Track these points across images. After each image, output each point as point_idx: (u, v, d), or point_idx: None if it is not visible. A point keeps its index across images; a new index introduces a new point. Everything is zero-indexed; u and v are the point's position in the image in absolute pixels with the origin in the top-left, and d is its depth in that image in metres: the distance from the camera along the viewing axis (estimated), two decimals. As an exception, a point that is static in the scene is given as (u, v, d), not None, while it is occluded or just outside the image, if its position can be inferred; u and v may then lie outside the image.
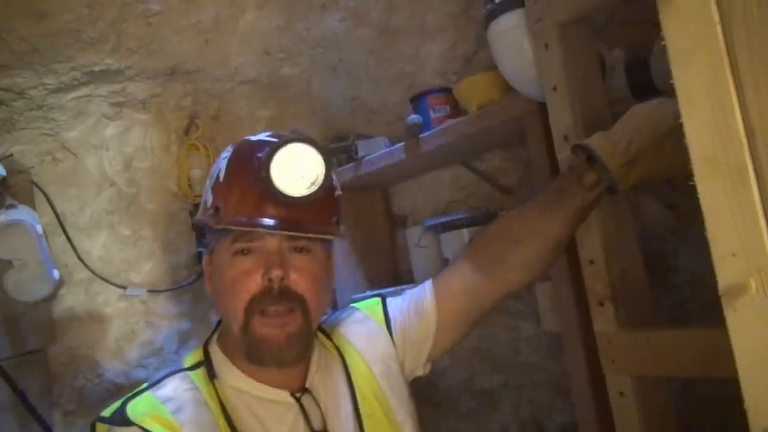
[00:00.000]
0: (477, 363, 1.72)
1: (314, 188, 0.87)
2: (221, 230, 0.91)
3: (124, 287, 1.68)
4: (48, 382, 1.61)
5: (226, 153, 0.95)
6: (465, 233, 1.51)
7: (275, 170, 0.86)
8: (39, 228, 1.52)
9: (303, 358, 0.94)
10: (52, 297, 1.60)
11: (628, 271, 1.03)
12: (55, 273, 1.55)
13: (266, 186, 0.85)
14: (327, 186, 0.89)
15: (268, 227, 0.88)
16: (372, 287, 1.79)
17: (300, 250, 0.91)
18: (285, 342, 0.88)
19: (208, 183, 0.96)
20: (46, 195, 1.64)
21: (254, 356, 0.89)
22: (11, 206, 1.50)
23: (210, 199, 0.93)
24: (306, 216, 0.90)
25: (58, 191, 1.67)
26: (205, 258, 0.99)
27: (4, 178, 1.50)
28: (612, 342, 1.00)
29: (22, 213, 1.50)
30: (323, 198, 0.90)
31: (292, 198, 0.86)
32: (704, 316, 1.21)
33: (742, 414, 0.48)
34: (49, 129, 1.65)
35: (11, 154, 1.60)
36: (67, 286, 1.65)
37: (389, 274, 1.88)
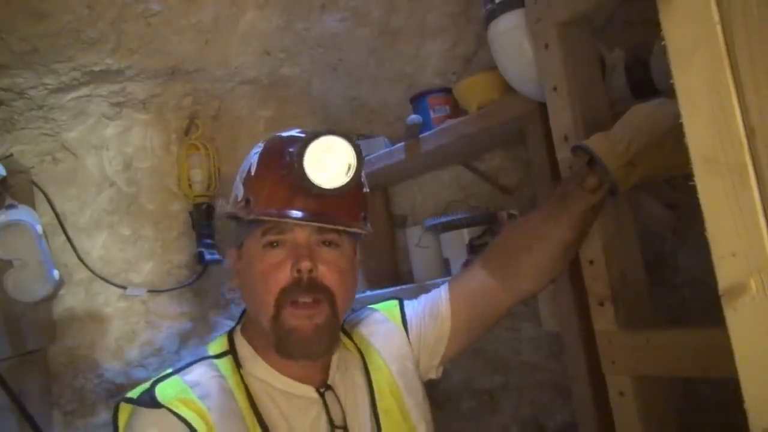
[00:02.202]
0: (478, 363, 1.72)
1: (346, 180, 0.88)
2: (251, 223, 0.92)
3: (124, 287, 1.68)
4: (48, 382, 1.61)
5: (258, 148, 0.97)
6: (465, 233, 1.51)
7: (308, 162, 0.86)
8: (39, 228, 1.52)
9: (330, 350, 0.95)
10: (52, 297, 1.60)
11: (628, 272, 1.03)
12: (55, 273, 1.55)
13: (299, 178, 0.86)
14: (357, 179, 0.90)
15: (299, 218, 0.89)
16: (372, 287, 1.79)
17: (328, 244, 0.92)
18: (313, 333, 0.89)
19: (238, 177, 0.98)
20: (46, 195, 1.64)
21: (284, 348, 0.90)
22: (11, 206, 1.50)
23: (241, 192, 0.95)
24: (335, 209, 0.91)
25: (58, 191, 1.67)
26: (232, 253, 1.00)
27: (4, 178, 1.50)
28: (612, 342, 1.00)
29: (22, 213, 1.50)
30: (352, 192, 0.91)
31: (324, 190, 0.87)
32: (704, 316, 1.21)
33: (742, 414, 0.48)
34: (49, 129, 1.65)
35: (11, 154, 1.60)
36: (67, 286, 1.65)
37: (389, 274, 1.88)
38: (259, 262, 0.91)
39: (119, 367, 1.67)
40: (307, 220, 0.89)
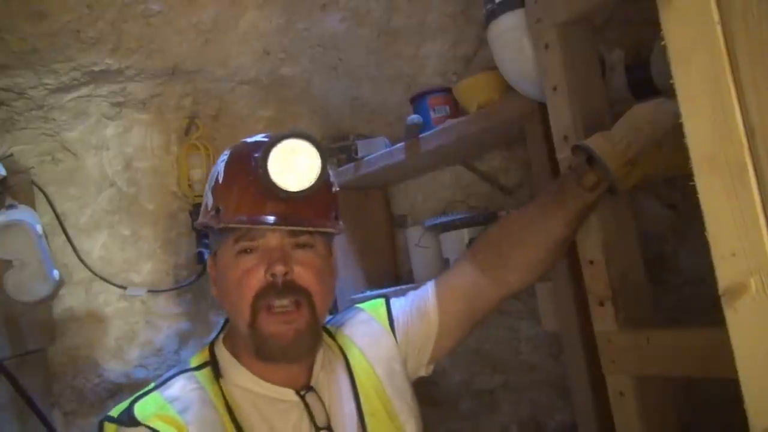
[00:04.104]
0: (477, 363, 1.71)
1: (312, 182, 0.89)
2: (223, 231, 0.92)
3: (124, 287, 1.68)
4: (48, 382, 1.61)
5: (224, 156, 0.97)
6: (465, 233, 1.51)
7: (272, 166, 0.87)
8: (39, 228, 1.52)
9: (312, 352, 0.95)
10: (52, 297, 1.59)
11: (628, 272, 1.03)
12: (55, 273, 1.55)
13: (265, 183, 0.86)
14: (324, 180, 0.90)
15: (269, 224, 0.89)
16: (372, 287, 1.79)
17: (302, 246, 0.92)
18: (293, 338, 0.89)
19: (208, 186, 0.97)
20: (46, 195, 1.64)
21: (263, 353, 0.90)
22: (11, 206, 1.50)
23: (210, 201, 0.95)
24: (305, 211, 0.91)
25: (58, 191, 1.67)
26: (208, 261, 1.01)
27: (4, 178, 1.50)
28: (612, 342, 1.00)
29: (22, 213, 1.50)
30: (321, 193, 0.91)
31: (291, 193, 0.87)
32: (704, 316, 1.21)
33: (742, 414, 0.48)
34: (49, 129, 1.65)
35: (11, 154, 1.60)
36: (67, 286, 1.65)
37: (389, 274, 1.88)
38: (233, 270, 0.91)
39: (119, 367, 1.67)
40: (277, 225, 0.89)
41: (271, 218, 0.89)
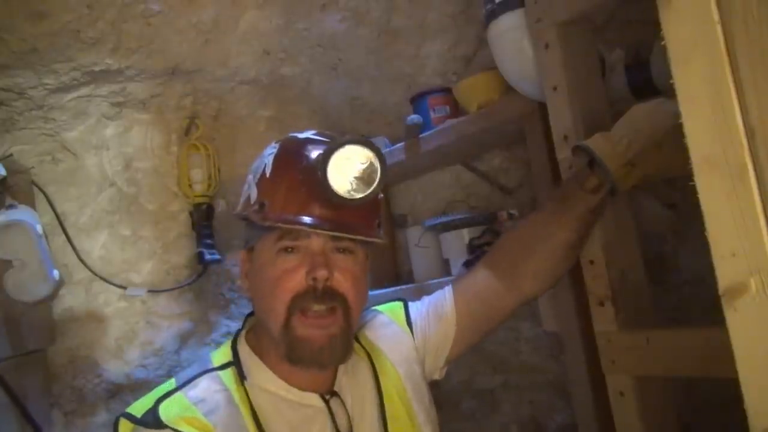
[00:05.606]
0: (477, 363, 1.71)
1: (371, 191, 0.87)
2: (264, 228, 0.90)
3: (124, 287, 1.68)
4: (48, 382, 1.61)
5: (272, 149, 0.95)
6: (465, 233, 1.51)
7: (332, 172, 0.84)
8: (39, 228, 1.52)
9: (344, 359, 0.93)
10: (52, 297, 1.59)
11: (628, 272, 1.03)
12: (55, 273, 1.55)
13: (321, 188, 0.84)
14: (380, 189, 0.88)
15: (317, 227, 0.87)
16: (372, 287, 1.79)
17: (343, 250, 0.91)
18: (327, 343, 0.88)
19: (252, 178, 0.95)
20: (46, 195, 1.64)
21: (295, 356, 0.88)
22: (11, 206, 1.50)
23: (254, 194, 0.92)
24: (352, 218, 0.89)
25: (58, 191, 1.67)
26: (242, 254, 0.99)
27: (4, 178, 1.50)
28: (612, 342, 1.00)
29: (22, 213, 1.50)
30: (370, 200, 0.89)
31: (348, 201, 0.86)
32: (704, 316, 1.21)
33: (742, 414, 0.48)
34: (49, 129, 1.65)
35: (11, 154, 1.60)
36: (67, 286, 1.65)
37: (389, 274, 1.88)
38: (272, 268, 0.89)
39: (119, 367, 1.67)
40: (326, 230, 0.87)
41: (318, 221, 0.87)
